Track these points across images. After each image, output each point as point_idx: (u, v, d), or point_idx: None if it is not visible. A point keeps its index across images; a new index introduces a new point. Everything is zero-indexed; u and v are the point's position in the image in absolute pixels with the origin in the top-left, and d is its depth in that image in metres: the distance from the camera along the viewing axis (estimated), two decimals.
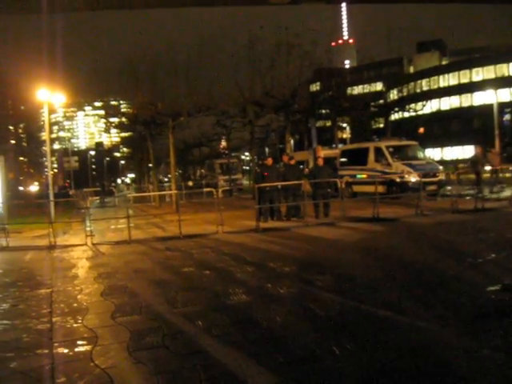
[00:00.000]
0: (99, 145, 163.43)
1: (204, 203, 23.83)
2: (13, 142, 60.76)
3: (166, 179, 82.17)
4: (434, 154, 74.41)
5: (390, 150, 24.66)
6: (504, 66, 74.51)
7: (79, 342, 6.01)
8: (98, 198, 40.73)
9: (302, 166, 27.24)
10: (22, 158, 70.04)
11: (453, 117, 77.74)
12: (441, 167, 25.04)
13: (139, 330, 6.31)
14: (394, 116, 64.92)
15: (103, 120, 66.59)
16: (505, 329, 5.63)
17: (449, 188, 23.10)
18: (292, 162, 19.68)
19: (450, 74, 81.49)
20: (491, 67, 75.47)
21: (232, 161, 50.95)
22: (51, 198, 24.41)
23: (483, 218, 15.59)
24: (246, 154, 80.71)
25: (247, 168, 78.51)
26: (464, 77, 79.54)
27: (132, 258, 12.41)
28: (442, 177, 23.88)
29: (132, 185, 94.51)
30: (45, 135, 38.39)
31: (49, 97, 25.62)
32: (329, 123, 62.87)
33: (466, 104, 78.90)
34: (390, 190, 22.90)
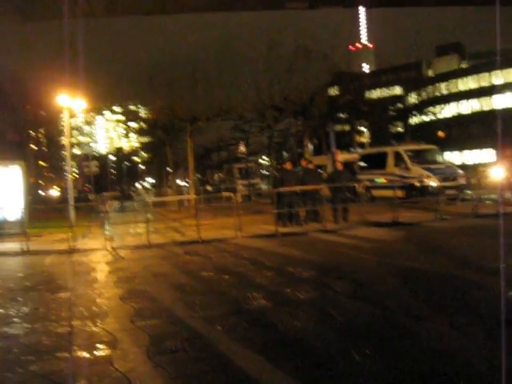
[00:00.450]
0: (119, 150, 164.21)
1: (223, 208, 23.79)
2: (33, 146, 61.26)
3: (185, 183, 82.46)
4: (453, 157, 73.84)
5: (409, 154, 24.53)
6: None
7: (99, 346, 6.03)
8: (117, 202, 40.94)
9: (320, 171, 27.19)
10: (42, 163, 70.58)
11: (472, 120, 77.08)
12: (460, 171, 24.83)
13: (158, 333, 6.32)
14: (413, 120, 64.59)
15: (123, 125, 67.08)
16: None
17: (469, 192, 22.89)
18: (310, 166, 19.66)
19: (470, 77, 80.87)
20: (511, 70, 74.75)
21: (250, 165, 50.95)
22: (71, 202, 24.60)
23: (505, 223, 15.41)
24: (265, 158, 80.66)
25: (266, 172, 78.56)
26: (483, 80, 78.87)
27: (151, 262, 12.45)
28: (461, 181, 23.68)
29: (151, 189, 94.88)
30: (65, 140, 38.64)
31: (69, 102, 25.85)
32: (347, 127, 62.76)
33: (485, 107, 78.20)
34: (409, 194, 22.75)
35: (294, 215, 18.36)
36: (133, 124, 50.47)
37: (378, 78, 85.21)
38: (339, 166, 19.12)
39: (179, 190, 49.43)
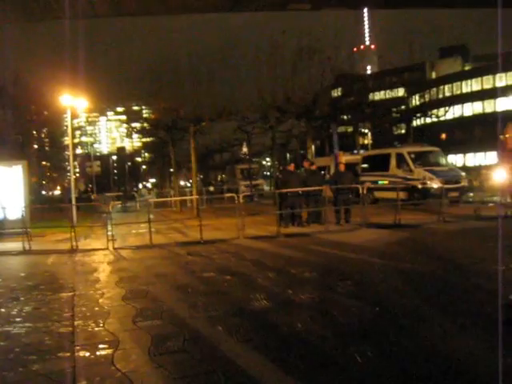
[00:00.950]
0: (121, 150, 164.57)
1: (225, 208, 23.79)
2: (36, 146, 61.28)
3: (187, 184, 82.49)
4: (456, 160, 73.75)
5: (412, 156, 24.51)
6: None
7: (101, 346, 6.04)
8: (119, 202, 40.96)
9: (323, 172, 27.17)
10: (44, 163, 70.62)
11: (475, 123, 76.89)
12: (463, 173, 24.80)
13: (160, 334, 6.31)
14: (416, 122, 64.45)
15: (125, 125, 67.12)
16: None
17: (471, 194, 22.87)
18: (313, 167, 19.67)
19: (473, 80, 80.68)
20: None
21: (253, 166, 50.87)
22: (73, 202, 24.66)
23: (507, 225, 15.39)
24: (267, 159, 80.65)
25: (268, 173, 78.53)
26: (487, 82, 78.71)
27: (153, 262, 12.45)
28: (464, 183, 23.66)
29: (153, 190, 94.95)
30: (67, 140, 38.68)
31: (72, 102, 25.91)
32: (350, 129, 62.72)
33: (488, 110, 78.05)
34: (412, 196, 22.75)
35: (297, 216, 18.37)
36: (135, 124, 50.43)
37: (382, 80, 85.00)
38: (342, 168, 19.12)
39: (181, 191, 49.41)
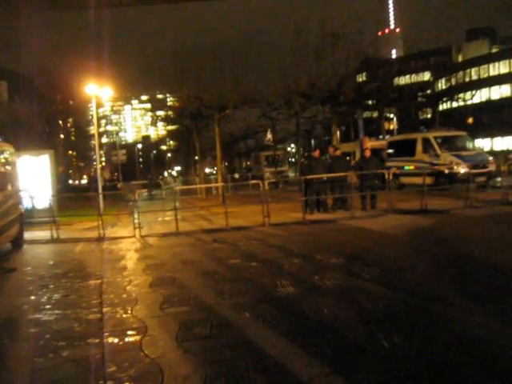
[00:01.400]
0: (146, 138, 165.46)
1: (250, 195, 23.81)
2: (62, 136, 61.83)
3: (212, 171, 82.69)
4: (483, 144, 72.77)
5: (439, 140, 24.26)
6: None
7: (129, 332, 6.09)
8: (145, 190, 41.25)
9: (348, 158, 27.02)
10: (71, 152, 71.23)
11: (503, 106, 75.68)
12: (491, 158, 24.47)
13: (187, 320, 6.35)
14: (443, 106, 63.81)
15: (150, 113, 67.41)
16: None
17: (499, 179, 22.56)
18: (338, 153, 19.56)
19: (501, 62, 79.29)
20: None
21: (278, 153, 50.79)
22: (100, 190, 24.88)
23: None
24: (292, 145, 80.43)
25: (293, 160, 78.33)
26: None
27: (179, 249, 12.52)
28: (492, 168, 23.34)
29: (179, 177, 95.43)
30: (93, 129, 38.97)
31: (97, 91, 26.07)
32: (375, 114, 62.17)
33: None
34: (439, 181, 22.53)
35: (322, 203, 18.33)
36: (160, 112, 50.60)
37: (407, 64, 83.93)
38: (367, 153, 18.99)
39: (207, 178, 49.57)
